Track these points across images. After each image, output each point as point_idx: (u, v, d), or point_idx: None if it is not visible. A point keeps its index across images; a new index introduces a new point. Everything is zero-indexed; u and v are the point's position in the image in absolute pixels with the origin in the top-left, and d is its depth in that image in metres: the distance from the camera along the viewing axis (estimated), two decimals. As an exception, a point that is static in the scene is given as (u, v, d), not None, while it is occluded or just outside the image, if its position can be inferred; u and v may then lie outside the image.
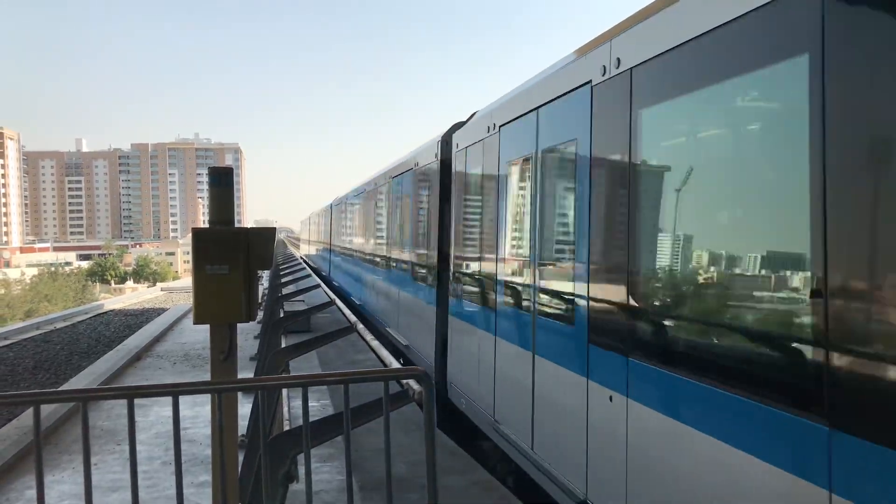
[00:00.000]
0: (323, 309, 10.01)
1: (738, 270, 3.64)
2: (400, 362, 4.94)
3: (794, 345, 3.26)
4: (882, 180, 2.76)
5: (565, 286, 5.55)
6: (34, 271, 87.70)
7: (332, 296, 10.20)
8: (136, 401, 3.08)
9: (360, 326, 6.89)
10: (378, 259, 15.43)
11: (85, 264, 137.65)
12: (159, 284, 57.11)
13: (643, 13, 4.58)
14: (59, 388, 10.67)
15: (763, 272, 3.47)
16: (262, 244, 3.96)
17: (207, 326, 3.92)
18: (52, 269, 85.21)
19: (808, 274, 3.06)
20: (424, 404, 3.37)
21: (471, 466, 7.06)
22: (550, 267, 5.93)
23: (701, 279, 3.96)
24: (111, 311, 29.54)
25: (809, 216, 3.02)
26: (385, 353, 5.18)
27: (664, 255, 4.30)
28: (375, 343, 5.79)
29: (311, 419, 3.38)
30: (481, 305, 7.69)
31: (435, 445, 3.33)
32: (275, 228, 4.47)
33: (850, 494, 2.77)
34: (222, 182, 4.01)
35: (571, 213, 5.45)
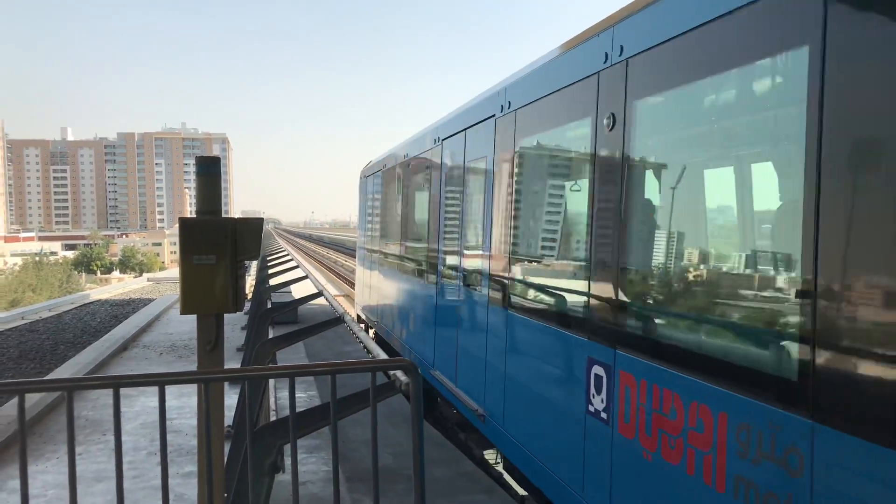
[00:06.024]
0: (310, 300, 9.98)
1: None
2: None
3: None
4: None
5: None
6: (18, 261, 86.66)
7: (320, 286, 10.17)
8: (122, 391, 3.07)
9: (348, 318, 6.88)
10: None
11: (70, 254, 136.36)
12: (146, 275, 56.69)
13: None
14: (44, 378, 10.59)
15: None
16: (249, 234, 3.95)
17: (194, 317, 3.91)
18: (38, 258, 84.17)
19: None
20: (412, 395, 3.38)
21: (457, 458, 7.08)
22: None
23: None
24: (97, 301, 29.35)
25: None
26: (373, 345, 5.18)
27: None
28: (363, 334, 5.79)
29: (297, 410, 3.39)
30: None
31: (422, 436, 3.34)
32: (262, 219, 4.45)
33: None
34: (209, 172, 3.99)
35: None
